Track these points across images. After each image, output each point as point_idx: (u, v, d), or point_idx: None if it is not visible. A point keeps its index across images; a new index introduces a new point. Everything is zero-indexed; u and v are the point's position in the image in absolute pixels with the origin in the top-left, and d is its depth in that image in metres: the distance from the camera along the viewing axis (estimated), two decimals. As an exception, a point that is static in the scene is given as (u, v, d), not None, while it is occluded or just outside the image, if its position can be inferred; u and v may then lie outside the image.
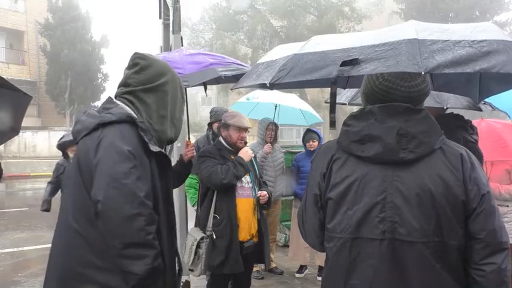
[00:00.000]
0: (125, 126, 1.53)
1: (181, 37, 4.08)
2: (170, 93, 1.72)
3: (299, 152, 5.16)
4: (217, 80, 3.18)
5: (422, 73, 1.17)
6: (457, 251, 1.31)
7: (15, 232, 6.87)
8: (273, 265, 4.67)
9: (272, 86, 1.54)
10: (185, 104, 2.03)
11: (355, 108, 1.63)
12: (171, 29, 4.14)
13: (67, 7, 22.50)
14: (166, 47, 4.41)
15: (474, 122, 2.67)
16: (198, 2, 53.60)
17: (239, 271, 2.85)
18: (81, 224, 1.47)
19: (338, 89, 2.68)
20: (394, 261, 1.31)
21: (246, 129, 3.10)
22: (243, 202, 2.97)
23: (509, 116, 3.15)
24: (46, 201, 4.47)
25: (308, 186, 1.53)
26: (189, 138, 3.05)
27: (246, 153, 3.01)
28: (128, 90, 1.67)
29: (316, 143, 4.42)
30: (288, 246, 5.05)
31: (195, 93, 28.65)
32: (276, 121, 4.46)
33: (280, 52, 1.65)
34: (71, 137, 4.23)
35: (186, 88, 2.62)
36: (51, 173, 4.62)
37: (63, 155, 4.50)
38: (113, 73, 26.25)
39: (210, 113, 4.19)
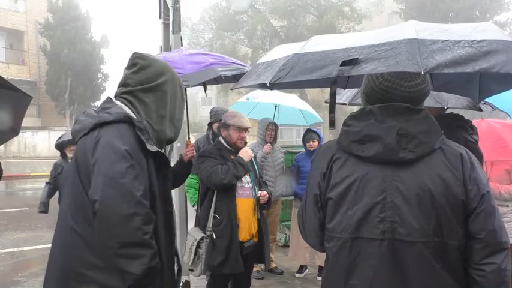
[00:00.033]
0: (123, 126, 1.53)
1: (181, 37, 4.08)
2: (169, 93, 1.72)
3: (299, 152, 5.16)
4: (217, 80, 3.18)
5: (422, 73, 1.18)
6: (457, 251, 1.31)
7: (15, 232, 6.87)
8: (273, 265, 4.67)
9: (272, 85, 1.55)
10: (185, 103, 2.03)
11: (355, 108, 1.63)
12: (171, 29, 4.14)
13: (67, 7, 22.50)
14: (166, 47, 4.41)
15: (474, 122, 2.67)
16: (198, 2, 53.68)
17: (239, 271, 2.85)
18: (79, 224, 1.47)
19: (338, 89, 2.68)
20: (394, 261, 1.31)
21: (246, 129, 3.10)
22: (243, 202, 2.97)
23: (509, 116, 3.15)
24: (43, 203, 4.48)
25: (308, 186, 1.53)
26: (189, 138, 3.05)
27: (246, 153, 3.01)
28: (127, 90, 1.67)
29: (316, 143, 4.42)
30: (288, 246, 5.05)
31: (195, 93, 28.64)
32: (275, 121, 4.46)
33: (280, 52, 1.65)
34: (69, 137, 4.23)
35: (186, 88, 2.62)
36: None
37: (61, 155, 4.51)
38: (113, 73, 26.28)
39: (210, 113, 4.19)
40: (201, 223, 2.98)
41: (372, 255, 1.33)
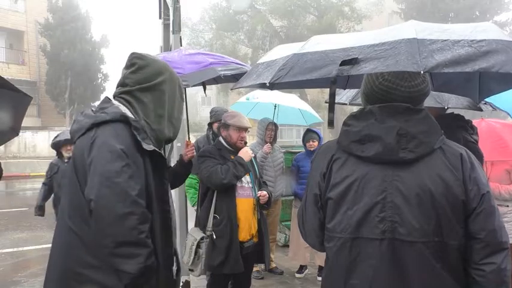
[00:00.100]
0: (119, 126, 1.53)
1: (180, 37, 4.08)
2: (168, 93, 1.73)
3: (299, 152, 5.16)
4: (216, 80, 3.17)
5: (422, 72, 1.18)
6: (457, 251, 1.31)
7: (15, 232, 6.87)
8: (273, 265, 4.67)
9: (272, 85, 1.55)
10: (184, 103, 2.03)
11: (355, 108, 1.63)
12: (171, 29, 4.14)
13: (67, 7, 22.50)
14: (166, 47, 4.41)
15: (474, 122, 2.67)
16: (198, 2, 53.62)
17: (239, 271, 2.85)
18: (76, 224, 1.48)
19: (338, 89, 2.68)
20: (394, 261, 1.31)
21: (245, 129, 3.10)
22: (243, 202, 2.97)
23: (510, 116, 3.14)
24: (39, 207, 4.47)
25: (308, 186, 1.53)
26: (189, 138, 3.05)
27: (246, 153, 3.01)
28: (125, 90, 1.68)
29: (316, 143, 4.42)
30: (288, 246, 5.05)
31: (194, 93, 28.65)
32: (275, 121, 4.46)
33: (280, 52, 1.65)
34: (65, 136, 4.22)
35: (185, 88, 2.62)
36: (50, 174, 4.60)
37: (57, 155, 4.48)
38: (113, 73, 26.22)
39: (210, 113, 4.19)
40: (201, 223, 2.98)
41: (372, 255, 1.33)
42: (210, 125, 4.15)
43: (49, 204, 4.54)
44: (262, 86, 1.61)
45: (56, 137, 4.43)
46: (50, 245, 1.60)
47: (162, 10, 4.50)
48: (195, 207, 3.63)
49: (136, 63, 1.70)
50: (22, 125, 2.68)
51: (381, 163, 1.35)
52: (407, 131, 1.33)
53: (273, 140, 4.47)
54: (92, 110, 1.63)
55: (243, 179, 2.98)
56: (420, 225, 1.29)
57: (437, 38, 1.27)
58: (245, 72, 2.55)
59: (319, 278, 3.99)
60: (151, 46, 27.94)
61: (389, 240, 1.31)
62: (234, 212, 2.88)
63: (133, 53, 1.75)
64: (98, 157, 1.44)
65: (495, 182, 3.46)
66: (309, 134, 4.49)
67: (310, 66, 1.39)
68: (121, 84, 1.71)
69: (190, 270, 2.95)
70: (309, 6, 22.57)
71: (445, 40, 1.26)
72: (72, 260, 1.47)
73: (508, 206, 3.49)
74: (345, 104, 3.16)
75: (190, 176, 2.90)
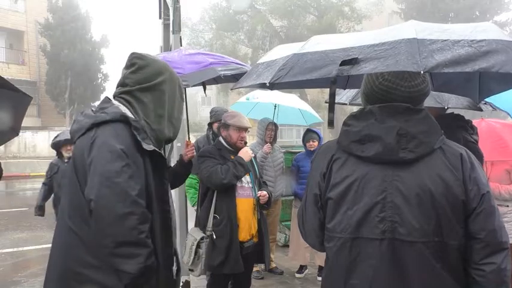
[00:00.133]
0: (119, 125, 1.53)
1: (180, 37, 4.08)
2: (168, 93, 1.73)
3: (299, 152, 5.16)
4: (216, 80, 3.18)
5: (422, 72, 1.18)
6: (457, 250, 1.31)
7: (15, 232, 6.87)
8: (273, 265, 4.67)
9: (272, 85, 1.55)
10: (184, 103, 2.03)
11: (355, 108, 1.63)
12: (171, 29, 4.14)
13: (67, 7, 22.49)
14: (166, 47, 4.41)
15: (474, 122, 2.67)
16: (198, 2, 53.62)
17: (239, 271, 2.85)
18: (76, 224, 1.48)
19: (338, 89, 2.68)
20: (394, 261, 1.31)
21: (245, 129, 3.10)
22: (243, 202, 2.97)
23: (510, 116, 3.14)
24: (39, 207, 4.46)
25: (308, 186, 1.53)
26: (189, 138, 3.05)
27: (246, 153, 3.01)
28: (125, 90, 1.68)
29: (316, 143, 4.42)
30: (288, 246, 5.05)
31: (194, 93, 28.65)
32: (275, 121, 4.46)
33: (280, 52, 1.65)
34: (65, 136, 4.21)
35: (185, 88, 2.62)
36: (49, 174, 4.60)
37: (57, 155, 4.47)
38: (113, 73, 26.21)
39: (210, 113, 4.19)
40: (201, 223, 2.98)
41: (371, 255, 1.33)
42: (210, 125, 4.15)
43: (49, 204, 4.54)
44: (262, 86, 1.61)
45: (56, 137, 4.42)
46: (50, 245, 1.60)
47: (162, 10, 4.50)
48: (195, 207, 3.63)
49: (136, 63, 1.70)
50: (22, 125, 2.68)
51: (381, 163, 1.35)
52: (408, 131, 1.33)
53: (273, 140, 4.47)
54: (92, 110, 1.63)
55: (243, 179, 2.98)
56: (420, 225, 1.29)
57: (437, 38, 1.27)
58: (245, 72, 2.55)
59: (319, 278, 3.99)
60: (151, 46, 27.97)
61: (389, 240, 1.31)
62: (234, 212, 2.88)
63: (133, 53, 1.75)
64: (98, 157, 1.44)
65: (495, 182, 3.46)
66: (309, 134, 4.49)
67: (310, 66, 1.39)
68: (121, 84, 1.71)
69: (190, 270, 2.95)
70: (309, 6, 22.57)
71: (445, 40, 1.26)
72: (72, 260, 1.47)
73: (508, 206, 3.49)
74: (345, 104, 3.16)
75: (190, 176, 2.90)
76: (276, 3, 21.92)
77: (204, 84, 3.15)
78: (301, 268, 4.61)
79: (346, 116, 1.47)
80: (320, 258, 4.19)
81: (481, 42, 1.25)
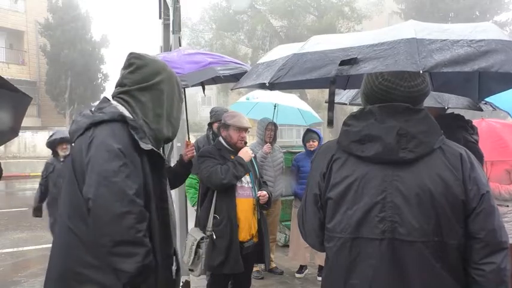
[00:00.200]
0: (117, 125, 1.54)
1: (180, 37, 4.08)
2: (166, 92, 1.73)
3: (299, 152, 5.16)
4: (215, 80, 3.18)
5: (421, 72, 1.18)
6: (456, 250, 1.31)
7: (15, 232, 6.88)
8: (273, 265, 4.67)
9: (272, 85, 1.55)
10: (183, 103, 2.03)
11: (355, 108, 1.63)
12: (171, 29, 4.14)
13: (67, 7, 22.48)
14: (166, 47, 4.41)
15: (474, 122, 2.67)
16: (198, 2, 53.57)
17: (239, 271, 2.85)
18: (75, 224, 1.48)
19: (338, 89, 2.68)
20: (394, 261, 1.31)
21: (245, 129, 3.10)
22: (243, 202, 2.97)
23: (510, 116, 3.14)
24: (37, 208, 4.42)
25: (308, 186, 1.53)
26: (188, 138, 3.06)
27: (246, 153, 3.01)
28: (123, 90, 1.68)
29: (316, 143, 4.42)
30: (288, 246, 5.05)
31: (194, 93, 28.62)
32: (275, 121, 4.46)
33: (280, 52, 1.65)
34: (61, 135, 4.19)
35: (184, 88, 2.62)
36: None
37: (52, 153, 4.42)
38: (113, 73, 26.19)
39: (210, 113, 4.19)
40: (201, 223, 2.98)
41: (371, 255, 1.33)
42: (210, 125, 4.15)
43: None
44: (262, 86, 1.61)
45: (51, 135, 4.34)
46: (50, 245, 1.60)
47: (162, 10, 4.50)
48: (195, 207, 3.63)
49: (135, 63, 1.70)
50: (22, 125, 2.68)
51: (381, 163, 1.35)
52: (407, 131, 1.33)
53: (273, 140, 4.47)
54: (90, 111, 1.63)
55: (243, 179, 2.98)
56: (420, 225, 1.29)
57: (436, 38, 1.27)
58: (244, 72, 2.55)
59: (319, 278, 3.99)
60: (151, 46, 27.96)
61: (389, 240, 1.31)
62: (234, 212, 2.89)
63: (131, 53, 1.75)
64: (96, 156, 1.45)
65: (495, 182, 3.46)
66: (309, 134, 4.49)
67: (309, 66, 1.39)
68: (119, 84, 1.72)
69: (190, 270, 2.96)
70: (309, 6, 22.58)
71: (444, 40, 1.27)
72: (72, 260, 1.47)
73: (508, 206, 3.49)
74: (345, 104, 3.16)
75: (190, 176, 2.91)
76: (276, 3, 21.92)
77: (203, 85, 3.15)
78: (301, 268, 4.61)
79: (346, 116, 1.47)
80: (320, 258, 4.19)
81: (480, 42, 1.25)
